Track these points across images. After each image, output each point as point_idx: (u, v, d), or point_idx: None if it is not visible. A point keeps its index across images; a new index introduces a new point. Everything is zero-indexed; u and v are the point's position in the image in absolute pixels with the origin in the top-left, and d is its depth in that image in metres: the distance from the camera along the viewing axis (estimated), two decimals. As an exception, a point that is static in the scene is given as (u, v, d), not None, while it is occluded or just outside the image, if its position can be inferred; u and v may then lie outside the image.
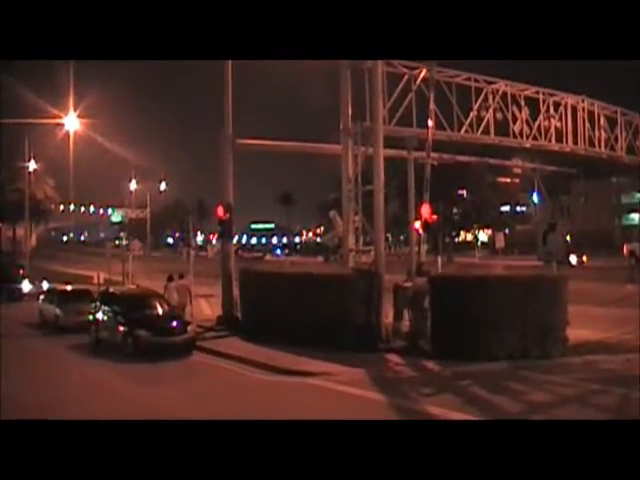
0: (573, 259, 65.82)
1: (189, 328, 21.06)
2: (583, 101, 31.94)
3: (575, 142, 31.24)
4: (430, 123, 23.25)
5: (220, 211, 24.63)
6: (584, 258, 65.87)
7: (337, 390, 15.33)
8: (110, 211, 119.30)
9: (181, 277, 25.65)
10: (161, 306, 22.09)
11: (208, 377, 17.66)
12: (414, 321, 20.11)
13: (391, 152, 25.67)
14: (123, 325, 20.67)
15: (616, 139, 34.10)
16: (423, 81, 23.69)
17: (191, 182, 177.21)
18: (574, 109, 31.14)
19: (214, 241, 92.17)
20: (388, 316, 20.90)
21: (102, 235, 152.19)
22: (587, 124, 31.88)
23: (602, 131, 33.14)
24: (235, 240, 37.52)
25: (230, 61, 24.02)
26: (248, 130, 27.08)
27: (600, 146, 33.10)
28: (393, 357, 18.90)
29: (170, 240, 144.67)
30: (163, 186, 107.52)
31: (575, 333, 19.21)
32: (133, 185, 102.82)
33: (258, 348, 20.22)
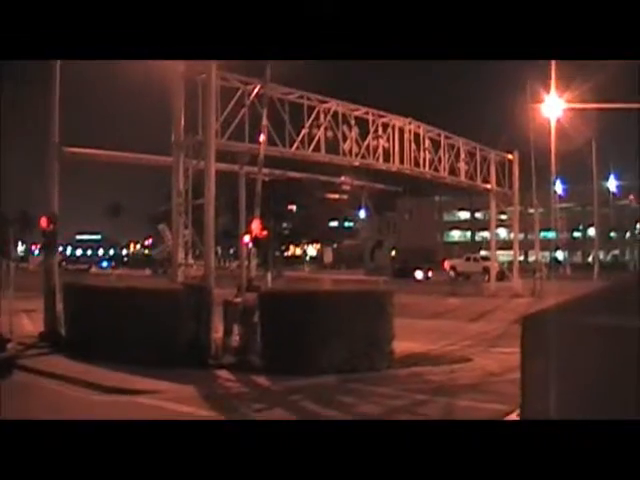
0: (419, 274, 68.53)
1: (8, 346, 19.99)
2: (410, 123, 33.20)
3: (402, 162, 32.39)
4: (262, 138, 23.34)
5: (44, 222, 23.63)
6: (429, 274, 68.57)
7: (166, 408, 14.96)
8: None
9: None
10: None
11: (29, 398, 16.78)
12: (244, 336, 20.07)
13: (223, 166, 25.57)
14: None
15: (439, 160, 35.70)
16: (257, 96, 23.77)
17: (14, 189, 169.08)
18: (401, 131, 32.29)
19: (36, 252, 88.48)
20: (218, 331, 20.75)
21: None
22: (413, 145, 33.16)
23: (427, 152, 34.58)
24: (59, 251, 36.08)
25: (58, 62, 23.07)
26: (75, 137, 26.21)
27: (425, 166, 34.51)
28: (223, 373, 18.75)
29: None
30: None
31: (402, 345, 19.84)
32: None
33: (83, 366, 19.44)
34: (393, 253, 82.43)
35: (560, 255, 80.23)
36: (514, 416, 4.67)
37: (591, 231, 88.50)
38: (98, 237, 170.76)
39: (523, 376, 4.37)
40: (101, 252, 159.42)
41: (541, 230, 56.53)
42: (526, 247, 65.32)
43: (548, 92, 42.89)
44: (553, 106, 43.88)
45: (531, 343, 4.24)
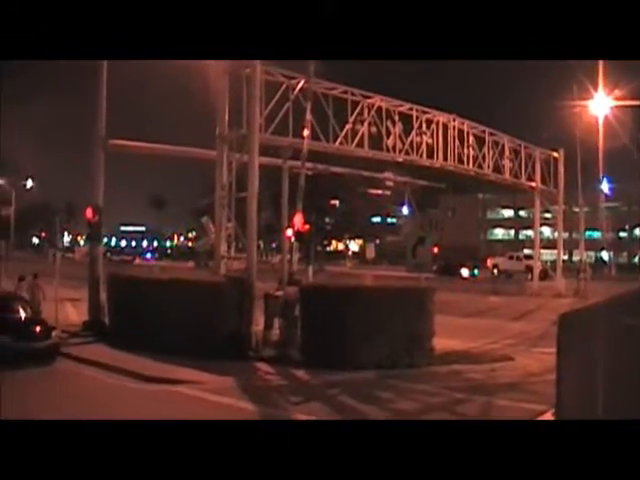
0: (465, 272, 68.10)
1: (53, 333, 20.31)
2: (454, 120, 32.96)
3: (445, 158, 32.17)
4: (306, 133, 23.38)
5: (89, 213, 23.98)
6: (476, 271, 68.08)
7: (206, 399, 15.16)
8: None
9: (35, 277, 25.02)
10: (24, 310, 21.19)
11: (72, 385, 17.08)
12: (284, 330, 20.18)
13: (266, 160, 25.66)
14: (-19, 330, 19.69)
15: (484, 157, 35.37)
16: (301, 91, 23.80)
17: (60, 181, 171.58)
18: (445, 127, 32.08)
19: (82, 243, 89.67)
20: (259, 324, 20.88)
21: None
22: (457, 142, 32.92)
23: (471, 149, 34.29)
24: (104, 242, 36.57)
25: (105, 60, 23.40)
26: (120, 130, 26.51)
27: (468, 163, 34.24)
28: (263, 365, 18.89)
29: (36, 240, 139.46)
30: (30, 183, 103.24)
31: (442, 343, 19.80)
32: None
33: (126, 355, 19.73)
34: (435, 250, 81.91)
35: (605, 255, 79.21)
36: (549, 415, 4.63)
37: (637, 231, 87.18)
38: (142, 228, 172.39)
39: (559, 374, 4.35)
40: (145, 244, 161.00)
41: (586, 229, 55.76)
42: (571, 246, 64.54)
43: (596, 90, 42.32)
44: (601, 104, 43.28)
45: (567, 341, 4.22)
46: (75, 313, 27.90)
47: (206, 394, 15.52)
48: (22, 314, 20.97)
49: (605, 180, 62.53)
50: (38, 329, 20.10)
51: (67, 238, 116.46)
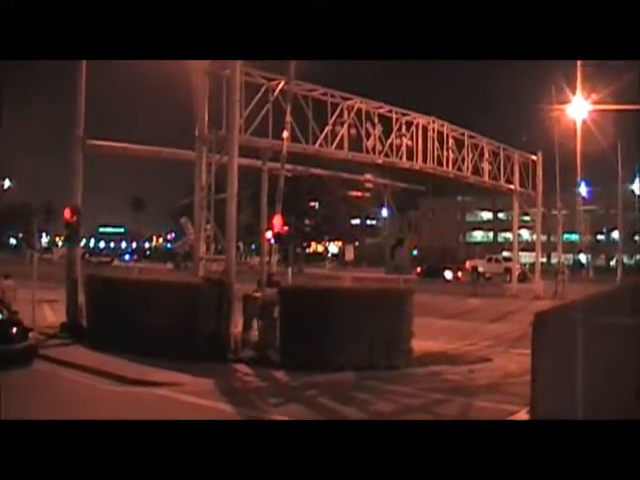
0: (448, 274, 68.47)
1: (30, 335, 20.14)
2: (434, 122, 33.10)
3: (425, 160, 32.29)
4: (285, 135, 23.35)
5: (67, 213, 23.81)
6: (459, 274, 68.42)
7: (185, 401, 15.10)
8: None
9: (6, 277, 25.01)
10: (0, 311, 21.02)
11: (50, 388, 16.95)
12: (263, 331, 20.14)
13: (245, 161, 25.62)
14: (-45, 331, 19.46)
15: (463, 160, 35.55)
16: (281, 93, 23.78)
17: (38, 181, 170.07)
18: (425, 129, 32.20)
19: (60, 244, 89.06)
20: (237, 326, 20.83)
21: None
22: (436, 144, 33.05)
23: (450, 151, 34.45)
24: (82, 243, 36.36)
25: (84, 60, 23.27)
26: (98, 131, 26.39)
27: (448, 165, 34.38)
28: (242, 367, 18.85)
29: (13, 241, 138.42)
30: (7, 183, 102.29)
31: (420, 345, 19.86)
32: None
33: (104, 357, 19.61)
34: (415, 252, 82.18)
35: (583, 258, 79.77)
36: (523, 413, 4.66)
37: (615, 234, 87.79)
38: (121, 230, 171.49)
39: (533, 373, 4.38)
40: (124, 245, 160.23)
41: (564, 232, 56.22)
42: (549, 249, 64.96)
43: (574, 93, 42.64)
44: (579, 107, 43.60)
45: (541, 340, 4.24)
46: (52, 315, 27.71)
47: (185, 396, 15.45)
48: (-2, 315, 20.78)
49: (583, 183, 63.10)
50: (14, 330, 19.92)
51: (45, 239, 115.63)
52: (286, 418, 13.37)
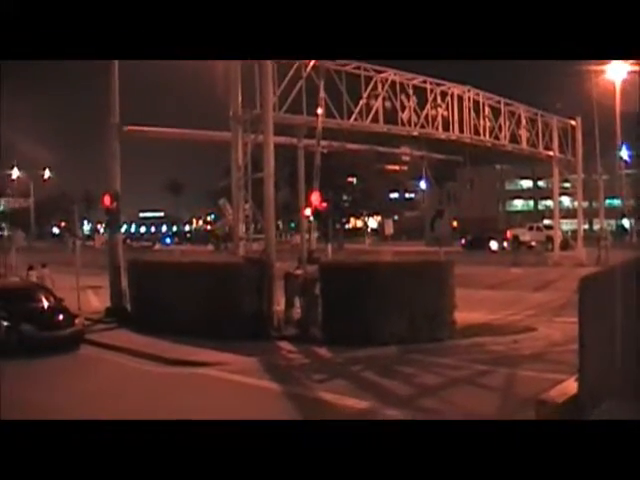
0: (494, 245, 68.02)
1: (76, 321, 20.48)
2: (469, 91, 32.65)
3: (461, 130, 31.90)
4: (320, 111, 23.27)
5: (107, 200, 24.08)
6: (505, 244, 67.88)
7: (231, 379, 15.25)
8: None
9: (44, 266, 25.61)
10: (47, 299, 21.36)
11: (98, 371, 17.23)
12: (305, 308, 20.21)
13: (281, 139, 25.58)
14: (6, 320, 19.82)
15: (500, 128, 35.06)
16: (313, 69, 23.65)
17: (77, 170, 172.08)
18: (460, 99, 31.78)
19: (101, 230, 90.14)
20: (279, 304, 20.92)
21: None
22: (472, 113, 32.62)
23: (487, 120, 33.96)
24: (123, 229, 36.75)
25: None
26: (134, 116, 26.55)
27: (485, 135, 33.93)
28: (285, 345, 18.95)
29: (56, 230, 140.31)
30: (47, 174, 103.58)
31: (463, 316, 19.76)
32: (15, 173, 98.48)
33: (148, 339, 19.89)
34: (455, 224, 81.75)
35: (626, 223, 78.49)
36: (572, 382, 4.57)
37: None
38: (160, 214, 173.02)
39: (581, 340, 4.29)
40: (164, 229, 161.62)
41: (606, 197, 55.34)
42: (591, 215, 64.04)
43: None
44: (618, 67, 42.74)
45: (589, 305, 4.15)
46: (97, 300, 28.12)
47: (231, 375, 15.60)
48: (45, 303, 21.14)
49: (624, 146, 61.93)
50: (61, 317, 20.29)
51: (87, 226, 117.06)
52: (328, 395, 13.44)
